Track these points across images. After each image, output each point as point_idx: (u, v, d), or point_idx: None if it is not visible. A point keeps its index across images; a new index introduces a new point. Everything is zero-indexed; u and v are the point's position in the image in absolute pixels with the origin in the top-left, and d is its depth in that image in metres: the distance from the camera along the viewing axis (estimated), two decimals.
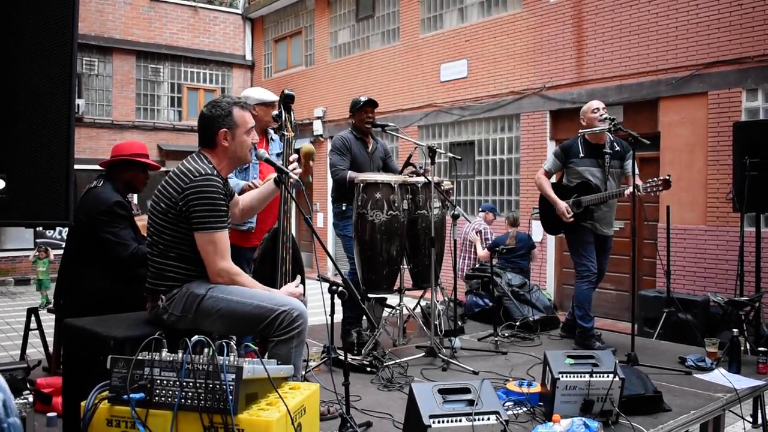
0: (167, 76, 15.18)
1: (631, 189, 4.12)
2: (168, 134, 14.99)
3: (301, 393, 2.18)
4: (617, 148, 4.48)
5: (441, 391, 2.37)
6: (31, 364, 3.12)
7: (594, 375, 2.76)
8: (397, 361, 3.77)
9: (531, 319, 4.91)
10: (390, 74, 11.97)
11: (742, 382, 3.52)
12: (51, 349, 3.74)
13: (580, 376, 2.76)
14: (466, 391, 2.39)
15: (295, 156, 3.16)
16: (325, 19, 13.73)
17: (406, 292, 4.16)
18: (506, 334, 4.66)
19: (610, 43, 8.45)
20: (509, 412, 2.81)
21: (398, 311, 4.18)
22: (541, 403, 2.97)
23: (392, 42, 12.16)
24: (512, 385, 3.19)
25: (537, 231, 8.00)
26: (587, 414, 2.74)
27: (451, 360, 3.83)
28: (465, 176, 10.63)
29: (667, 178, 4.11)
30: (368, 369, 3.67)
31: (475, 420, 2.27)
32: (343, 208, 4.42)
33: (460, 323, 4.84)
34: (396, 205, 3.94)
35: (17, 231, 12.66)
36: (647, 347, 4.45)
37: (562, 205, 4.42)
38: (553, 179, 4.74)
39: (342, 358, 2.78)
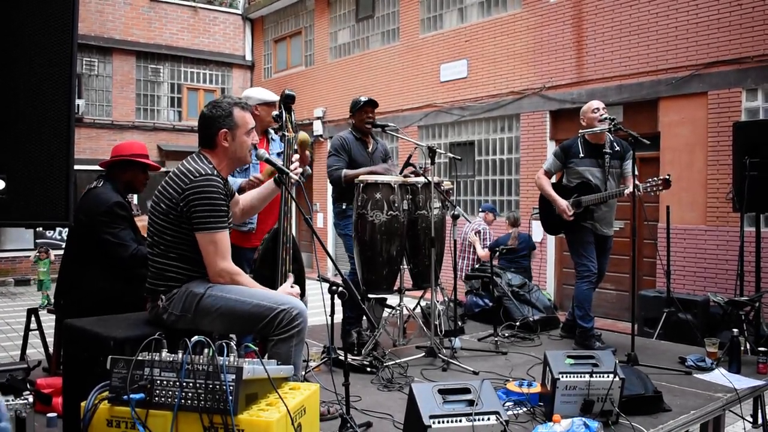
0: (167, 76, 15.18)
1: (631, 189, 4.12)
2: (168, 134, 14.99)
3: (301, 393, 2.17)
4: (617, 148, 4.48)
5: (441, 392, 2.36)
6: (31, 365, 3.12)
7: (594, 375, 2.76)
8: (397, 361, 3.77)
9: (531, 319, 4.91)
10: (390, 74, 11.97)
11: (742, 382, 3.52)
12: (51, 349, 3.75)
13: (580, 377, 2.76)
14: (466, 391, 2.39)
15: (296, 156, 3.16)
16: (324, 20, 13.73)
17: (406, 293, 4.16)
18: (506, 335, 4.66)
19: (610, 43, 8.45)
20: (509, 413, 2.81)
21: (398, 311, 4.18)
22: (541, 404, 2.97)
23: (392, 42, 12.16)
24: (512, 386, 3.19)
25: (537, 231, 8.00)
26: (587, 414, 2.74)
27: (451, 360, 3.83)
28: (465, 176, 10.63)
29: (667, 177, 4.12)
30: (368, 369, 3.67)
31: (475, 420, 2.27)
32: (344, 207, 4.42)
33: (460, 323, 4.84)
34: (396, 205, 3.94)
35: (17, 231, 12.66)
36: (647, 347, 4.44)
37: (563, 203, 4.41)
38: (553, 179, 4.74)
39: (342, 358, 2.79)
